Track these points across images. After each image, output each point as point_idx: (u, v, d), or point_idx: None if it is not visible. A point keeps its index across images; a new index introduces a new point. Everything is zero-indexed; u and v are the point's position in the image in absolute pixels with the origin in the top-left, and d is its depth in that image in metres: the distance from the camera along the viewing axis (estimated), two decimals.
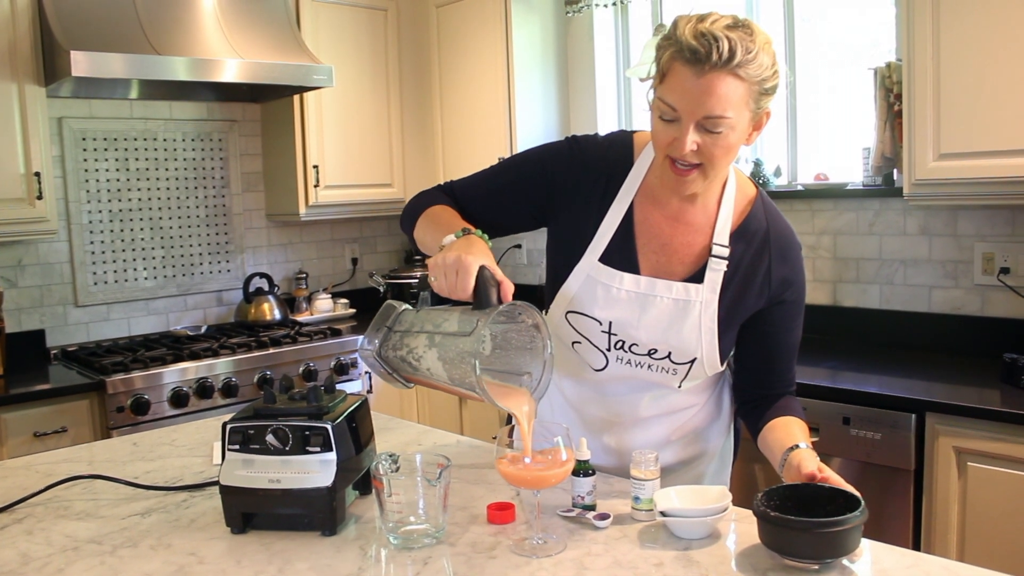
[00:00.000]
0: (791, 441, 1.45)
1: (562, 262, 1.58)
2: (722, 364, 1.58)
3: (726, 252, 1.51)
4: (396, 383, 1.47)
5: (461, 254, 1.31)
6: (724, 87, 1.33)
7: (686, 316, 1.51)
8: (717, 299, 1.52)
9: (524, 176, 1.61)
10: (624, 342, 1.54)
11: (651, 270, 1.53)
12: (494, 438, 1.35)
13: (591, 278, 1.53)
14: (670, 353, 1.53)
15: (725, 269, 1.51)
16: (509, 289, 1.32)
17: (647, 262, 1.54)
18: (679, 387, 1.58)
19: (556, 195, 1.57)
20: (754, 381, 1.63)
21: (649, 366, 1.55)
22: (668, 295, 1.51)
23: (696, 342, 1.52)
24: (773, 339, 1.59)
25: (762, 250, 1.53)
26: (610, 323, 1.53)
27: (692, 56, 1.32)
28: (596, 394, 1.63)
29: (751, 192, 1.57)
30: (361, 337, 1.54)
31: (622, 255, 1.53)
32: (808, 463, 1.37)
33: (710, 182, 1.47)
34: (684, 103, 1.35)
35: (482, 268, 1.31)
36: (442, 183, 1.72)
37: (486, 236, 1.43)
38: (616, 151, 1.56)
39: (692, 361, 1.54)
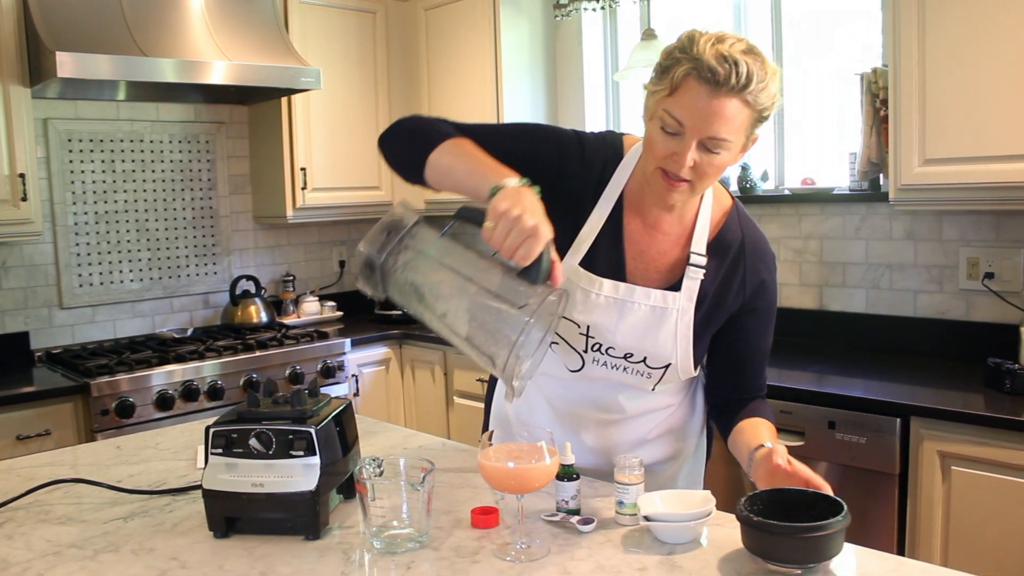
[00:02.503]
0: (758, 441, 1.47)
1: None
2: (695, 369, 1.60)
3: (704, 261, 1.53)
4: (373, 293, 1.33)
5: (540, 223, 1.21)
6: (732, 110, 1.34)
7: (662, 323, 1.53)
8: (693, 307, 1.54)
9: (538, 152, 1.51)
10: (601, 345, 1.55)
11: (630, 277, 1.55)
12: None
13: (570, 282, 1.53)
14: (645, 358, 1.55)
15: (702, 278, 1.53)
16: (560, 272, 1.27)
17: (626, 269, 1.55)
18: (652, 390, 1.60)
19: (557, 183, 1.49)
20: (726, 385, 1.66)
21: (624, 368, 1.56)
22: (646, 302, 1.52)
23: (671, 348, 1.54)
24: (745, 345, 1.62)
25: (738, 260, 1.56)
26: (588, 327, 1.54)
27: (711, 76, 1.32)
28: (573, 393, 1.64)
29: (727, 203, 1.59)
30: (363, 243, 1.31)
31: (608, 260, 1.54)
32: (777, 455, 1.37)
33: (694, 196, 1.49)
34: (692, 120, 1.35)
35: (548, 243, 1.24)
36: (443, 118, 1.54)
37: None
38: (609, 153, 1.55)
39: (666, 366, 1.56)
